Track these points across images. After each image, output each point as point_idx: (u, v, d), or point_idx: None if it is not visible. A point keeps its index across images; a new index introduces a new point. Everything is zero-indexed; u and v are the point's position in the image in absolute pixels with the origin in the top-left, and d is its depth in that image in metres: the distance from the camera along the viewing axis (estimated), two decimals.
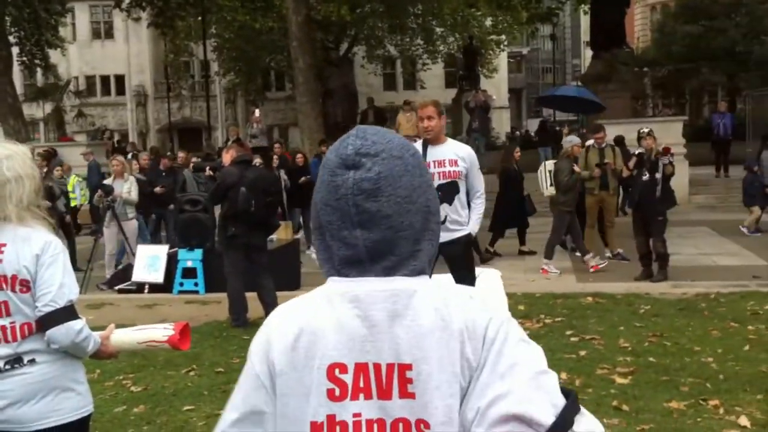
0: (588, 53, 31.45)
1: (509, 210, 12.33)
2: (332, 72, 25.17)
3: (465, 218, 5.90)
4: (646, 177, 9.89)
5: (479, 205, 5.97)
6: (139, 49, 42.38)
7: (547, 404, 1.22)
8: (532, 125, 43.56)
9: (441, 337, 1.27)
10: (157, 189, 11.55)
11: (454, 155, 5.81)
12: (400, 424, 1.26)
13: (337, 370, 1.29)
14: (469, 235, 5.95)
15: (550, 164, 11.53)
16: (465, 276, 5.62)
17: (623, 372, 5.82)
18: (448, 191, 5.79)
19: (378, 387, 1.28)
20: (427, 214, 1.35)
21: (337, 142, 1.36)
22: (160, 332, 2.92)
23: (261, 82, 34.87)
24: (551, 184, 11.34)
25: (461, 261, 5.86)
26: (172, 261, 10.00)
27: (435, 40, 33.24)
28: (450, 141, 6.02)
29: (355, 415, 1.28)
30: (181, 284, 9.80)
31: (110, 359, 3.10)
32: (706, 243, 12.94)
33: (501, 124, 35.47)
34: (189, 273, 9.79)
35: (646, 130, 10.32)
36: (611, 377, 5.72)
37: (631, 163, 10.22)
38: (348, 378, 1.29)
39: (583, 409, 1.26)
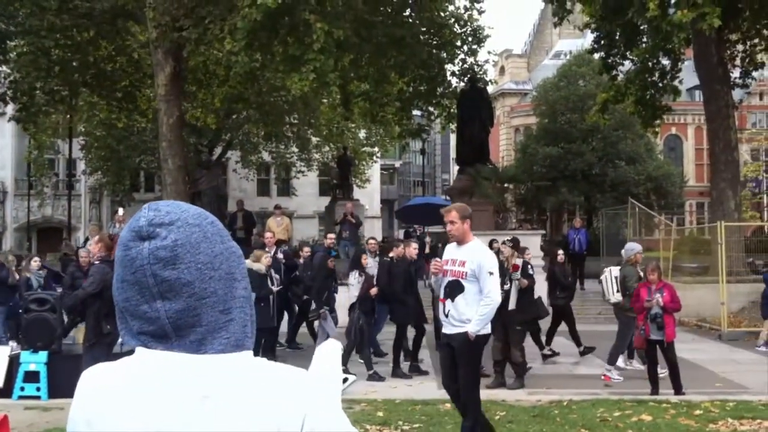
0: (456, 169, 32.80)
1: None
2: (203, 174, 25.01)
3: (470, 317, 6.17)
4: (507, 287, 10.24)
5: (482, 307, 6.16)
6: (1, 144, 40.73)
7: None
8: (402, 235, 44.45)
9: (254, 421, 1.20)
10: None
11: (464, 257, 6.21)
12: None
13: None
14: (466, 335, 6.10)
15: (615, 270, 11.40)
16: (467, 372, 6.13)
17: None
18: (452, 289, 6.23)
19: None
20: (232, 281, 1.29)
21: (130, 219, 1.31)
22: None
23: (129, 182, 34.18)
24: (617, 290, 11.16)
25: (462, 358, 6.19)
26: (13, 363, 9.35)
27: (310, 149, 33.81)
28: (472, 243, 6.32)
29: None
30: (22, 389, 9.15)
31: None
32: (562, 353, 13.31)
33: (373, 233, 35.85)
34: (31, 377, 9.16)
35: (507, 239, 10.80)
36: None
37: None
38: None
39: None
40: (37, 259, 12.67)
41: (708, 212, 30.69)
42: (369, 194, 40.85)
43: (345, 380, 1.67)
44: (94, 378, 1.31)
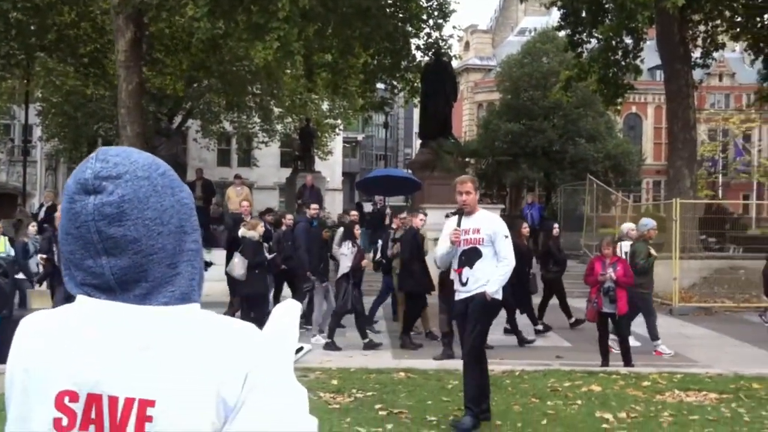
0: (419, 143, 32.84)
1: (521, 287, 11.63)
2: (161, 142, 24.71)
3: (487, 281, 6.44)
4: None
5: (501, 267, 6.49)
6: None
7: None
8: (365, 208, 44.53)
9: (195, 374, 1.18)
10: None
11: (477, 225, 6.52)
12: None
13: (66, 398, 1.19)
14: (484, 294, 6.39)
15: (626, 246, 11.18)
16: (475, 332, 6.42)
17: None
18: (470, 256, 6.50)
19: (111, 422, 1.17)
20: (181, 234, 1.25)
21: (78, 166, 1.26)
22: None
23: (87, 149, 33.58)
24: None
25: (473, 316, 6.47)
26: None
27: (272, 120, 33.52)
28: (480, 212, 6.70)
29: None
30: None
31: None
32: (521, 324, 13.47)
33: (334, 205, 35.84)
34: None
35: (450, 211, 10.92)
36: None
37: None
38: (78, 407, 1.19)
39: None
40: (34, 224, 12.40)
41: (664, 190, 31.18)
42: (331, 166, 40.70)
43: (300, 349, 1.65)
44: (32, 324, 1.29)
